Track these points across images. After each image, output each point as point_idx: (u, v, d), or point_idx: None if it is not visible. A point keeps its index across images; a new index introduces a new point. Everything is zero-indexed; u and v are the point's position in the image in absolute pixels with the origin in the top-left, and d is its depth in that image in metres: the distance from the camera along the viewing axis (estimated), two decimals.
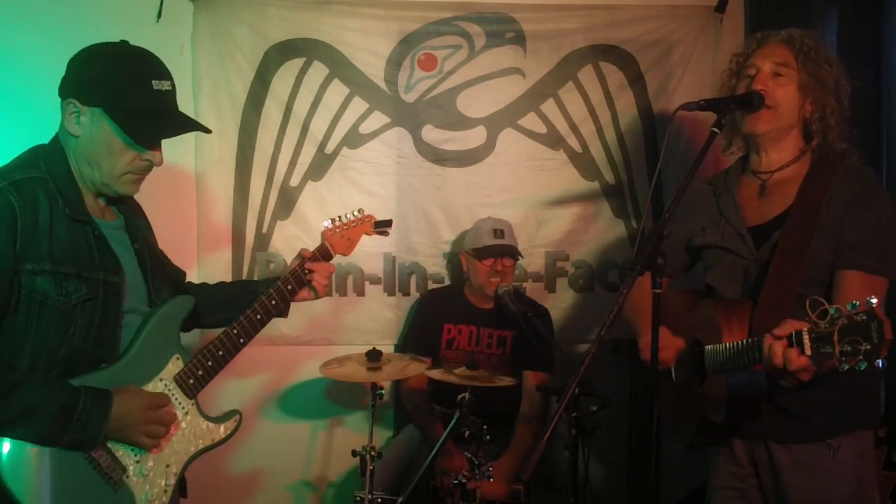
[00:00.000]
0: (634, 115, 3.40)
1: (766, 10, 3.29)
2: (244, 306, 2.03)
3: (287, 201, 3.28)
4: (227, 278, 3.23)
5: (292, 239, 3.28)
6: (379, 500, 2.58)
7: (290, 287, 2.09)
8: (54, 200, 1.69)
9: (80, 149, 1.73)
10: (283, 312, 2.12)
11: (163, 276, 1.97)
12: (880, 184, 1.98)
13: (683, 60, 3.37)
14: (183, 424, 1.90)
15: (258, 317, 2.02)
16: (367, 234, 2.29)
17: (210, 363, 1.93)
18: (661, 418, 1.81)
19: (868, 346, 1.45)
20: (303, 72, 3.25)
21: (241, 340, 1.99)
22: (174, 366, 1.89)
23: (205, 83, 3.19)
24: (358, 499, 2.56)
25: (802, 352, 1.59)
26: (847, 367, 1.48)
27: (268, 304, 2.04)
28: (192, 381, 1.90)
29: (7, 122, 3.05)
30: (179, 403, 1.89)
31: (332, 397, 3.38)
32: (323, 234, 2.21)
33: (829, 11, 3.07)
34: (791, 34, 2.00)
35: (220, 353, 1.95)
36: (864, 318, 1.47)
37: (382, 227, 2.30)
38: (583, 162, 3.41)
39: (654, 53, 3.37)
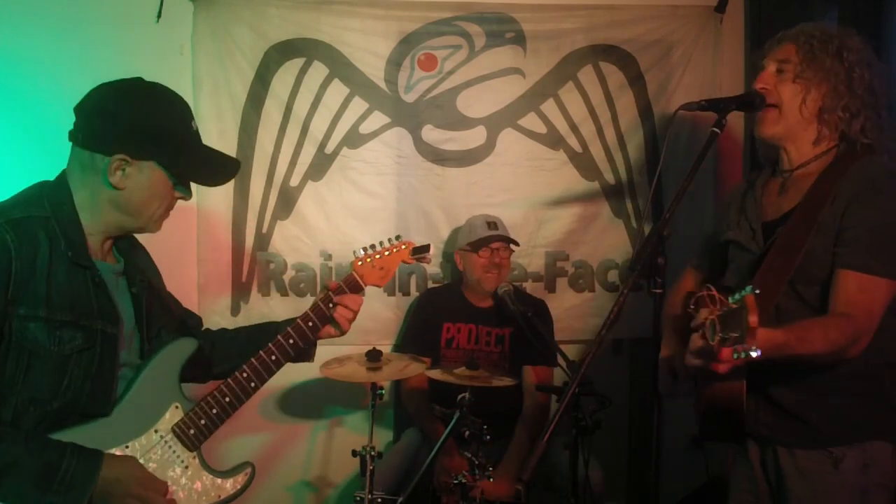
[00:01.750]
0: (634, 115, 3.40)
1: (766, 10, 3.29)
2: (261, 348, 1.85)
3: (287, 201, 3.28)
4: (227, 278, 3.23)
5: (292, 239, 3.28)
6: (379, 500, 2.58)
7: (310, 323, 1.88)
8: (56, 242, 1.59)
9: (122, 199, 1.66)
10: (304, 354, 1.93)
11: (165, 319, 1.84)
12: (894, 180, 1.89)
13: (683, 60, 3.37)
14: (183, 480, 1.73)
15: (272, 358, 1.82)
16: (405, 261, 2.03)
17: (215, 411, 1.75)
18: (660, 416, 1.80)
19: (737, 335, 1.42)
20: (303, 72, 3.25)
21: (252, 385, 1.80)
22: (172, 415, 1.73)
23: (205, 83, 3.19)
24: (358, 499, 2.56)
25: (705, 338, 1.53)
26: (736, 355, 1.43)
27: (284, 344, 1.84)
28: (192, 432, 1.73)
29: (7, 121, 3.05)
30: (178, 457, 1.73)
31: (332, 397, 3.38)
32: (352, 264, 1.99)
33: (829, 11, 3.07)
34: (800, 29, 1.97)
35: (227, 399, 1.77)
36: (738, 306, 1.43)
37: (421, 253, 2.05)
38: (583, 162, 3.41)
39: (654, 53, 3.37)
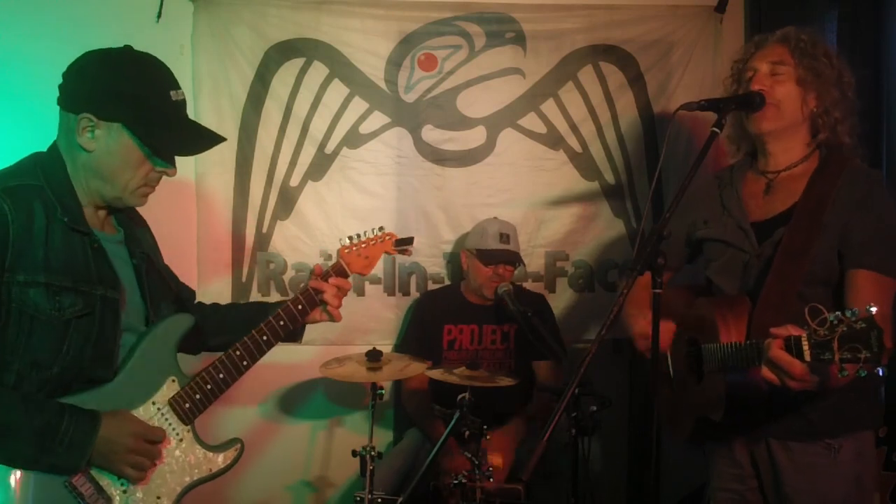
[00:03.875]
0: (634, 115, 3.40)
1: (766, 10, 3.29)
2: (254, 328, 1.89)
3: (287, 201, 3.28)
4: (227, 278, 3.24)
5: (292, 239, 3.29)
6: (379, 501, 2.58)
7: (300, 307, 1.92)
8: (52, 209, 1.61)
9: (93, 163, 1.66)
10: (293, 335, 1.98)
11: (163, 293, 1.88)
12: (886, 186, 1.97)
13: (683, 60, 3.37)
14: (177, 453, 1.76)
15: (264, 338, 1.87)
16: (387, 252, 2.11)
17: (209, 387, 1.80)
18: (658, 414, 1.80)
19: (868, 354, 1.47)
20: (303, 72, 3.25)
21: (245, 363, 1.84)
22: (169, 388, 1.77)
23: (205, 83, 3.19)
24: (358, 499, 2.56)
25: (801, 358, 1.58)
26: (847, 373, 1.49)
27: (275, 325, 1.88)
28: (188, 406, 1.77)
29: (7, 122, 3.05)
30: (174, 429, 1.77)
31: (332, 397, 3.38)
32: (339, 251, 2.06)
33: (829, 11, 3.07)
34: (786, 33, 2.01)
35: (221, 375, 1.82)
36: (864, 325, 1.48)
37: (404, 245, 2.12)
38: (583, 162, 3.41)
39: (654, 53, 3.37)
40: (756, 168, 2.09)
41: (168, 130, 1.67)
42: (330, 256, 3.28)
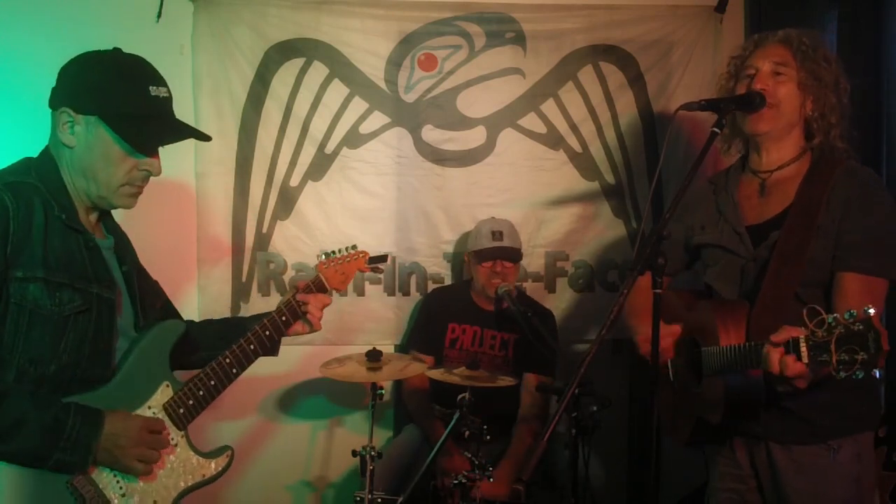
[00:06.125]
0: (634, 115, 3.40)
1: (766, 10, 3.29)
2: (234, 342, 1.91)
3: (287, 201, 3.28)
4: (228, 278, 3.24)
5: (292, 239, 3.29)
6: (379, 501, 2.58)
7: (283, 318, 1.98)
8: (49, 206, 1.62)
9: (76, 160, 1.66)
10: (275, 347, 2.00)
11: (151, 300, 1.89)
12: (881, 184, 1.97)
13: (683, 60, 3.37)
14: (171, 458, 1.78)
15: (251, 347, 1.90)
16: (361, 270, 2.18)
17: (201, 393, 1.82)
18: (660, 416, 1.81)
19: (865, 356, 1.46)
20: (303, 72, 3.25)
21: (234, 371, 1.88)
22: (163, 394, 1.78)
23: (205, 83, 3.19)
24: (358, 499, 2.56)
25: (799, 359, 1.58)
26: (844, 375, 1.49)
27: (261, 335, 1.93)
28: (182, 411, 1.79)
29: (7, 121, 3.05)
30: (168, 435, 1.79)
31: (332, 397, 3.39)
32: (317, 267, 2.12)
33: (829, 11, 3.07)
34: (788, 34, 2.01)
35: (213, 382, 1.85)
36: (862, 327, 1.48)
37: (377, 262, 2.20)
38: (583, 162, 3.41)
39: (654, 53, 3.37)
40: (749, 168, 2.10)
41: (143, 123, 1.66)
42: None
